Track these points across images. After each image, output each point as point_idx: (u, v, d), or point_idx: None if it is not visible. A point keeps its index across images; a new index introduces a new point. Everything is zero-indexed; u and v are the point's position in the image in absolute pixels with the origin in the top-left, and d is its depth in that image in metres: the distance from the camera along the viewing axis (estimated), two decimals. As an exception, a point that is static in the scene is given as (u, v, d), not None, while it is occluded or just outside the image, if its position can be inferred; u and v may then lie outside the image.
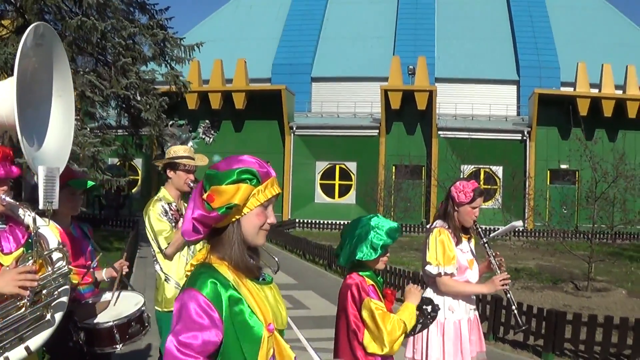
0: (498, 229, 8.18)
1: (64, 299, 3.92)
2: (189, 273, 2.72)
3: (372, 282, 4.43)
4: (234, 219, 2.66)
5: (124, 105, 23.89)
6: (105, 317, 4.95)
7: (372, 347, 4.29)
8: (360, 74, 47.54)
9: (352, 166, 42.48)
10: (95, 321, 4.90)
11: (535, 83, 43.40)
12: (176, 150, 6.36)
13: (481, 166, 38.30)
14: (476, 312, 5.77)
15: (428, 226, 5.95)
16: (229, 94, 41.74)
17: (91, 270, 5.32)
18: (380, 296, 4.43)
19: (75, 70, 20.07)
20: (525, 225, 34.27)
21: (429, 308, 4.61)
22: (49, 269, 3.86)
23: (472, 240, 5.81)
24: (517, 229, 33.42)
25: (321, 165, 42.96)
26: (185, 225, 2.70)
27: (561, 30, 48.93)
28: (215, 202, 2.58)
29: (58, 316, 3.87)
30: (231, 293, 2.57)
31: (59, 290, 3.88)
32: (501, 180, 38.60)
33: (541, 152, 40.19)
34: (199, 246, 5.20)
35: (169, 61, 24.73)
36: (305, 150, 42.39)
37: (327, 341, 4.68)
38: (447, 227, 5.59)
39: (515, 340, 10.83)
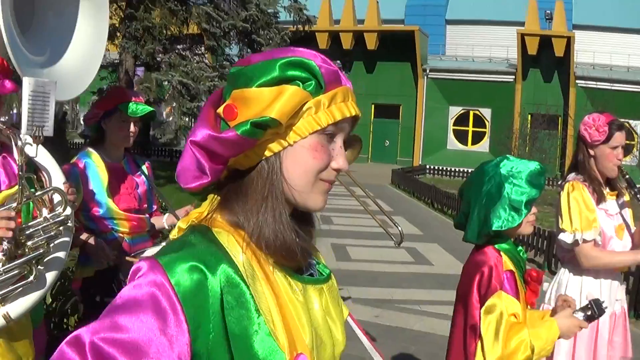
0: None
1: (60, 254, 3.02)
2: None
3: (511, 267, 3.04)
4: (269, 153, 1.46)
5: (245, 40, 23.17)
6: None
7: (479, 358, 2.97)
8: (496, 18, 45.53)
9: (486, 112, 41.13)
10: None
11: (677, 36, 40.34)
12: None
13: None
14: (624, 304, 4.23)
15: (560, 182, 4.38)
16: (361, 34, 41.17)
17: (146, 216, 4.43)
18: (521, 284, 3.07)
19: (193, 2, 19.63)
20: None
21: (593, 304, 3.07)
22: (45, 215, 2.95)
23: (625, 198, 4.22)
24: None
25: (454, 111, 41.91)
26: (181, 162, 1.51)
27: None
28: (239, 118, 1.42)
29: (50, 276, 2.99)
30: (234, 291, 1.39)
31: (54, 243, 2.97)
32: (639, 136, 36.10)
33: (682, 110, 37.55)
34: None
35: (292, -8, 23.75)
36: (438, 94, 41.36)
37: (449, 305, 3.48)
38: (582, 179, 4.10)
39: (661, 320, 9.25)
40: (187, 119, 21.28)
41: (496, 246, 3.10)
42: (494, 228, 3.04)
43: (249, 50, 23.89)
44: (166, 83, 19.50)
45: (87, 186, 4.07)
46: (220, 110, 1.47)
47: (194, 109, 19.81)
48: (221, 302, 1.37)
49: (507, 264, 3.04)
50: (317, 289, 1.59)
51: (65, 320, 5.52)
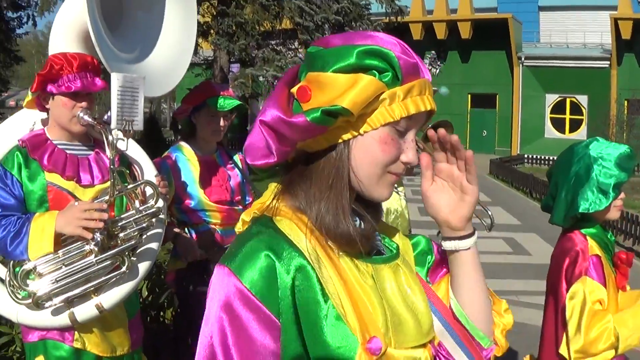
0: None
1: (153, 245, 3.10)
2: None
3: (598, 251, 2.95)
4: (338, 140, 1.45)
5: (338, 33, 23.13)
6: None
7: (563, 347, 2.91)
8: (589, 3, 44.13)
9: (582, 99, 39.88)
10: None
11: None
12: None
13: None
14: None
15: None
16: (454, 23, 40.48)
17: (239, 208, 4.42)
18: (610, 268, 2.97)
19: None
20: None
21: None
22: (137, 207, 3.02)
23: None
24: None
25: (551, 98, 40.74)
26: (250, 137, 1.52)
27: None
28: (312, 101, 1.40)
29: (143, 267, 3.08)
30: (301, 276, 1.39)
31: (147, 234, 3.04)
32: None
33: None
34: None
35: (383, -16, 23.52)
36: (534, 82, 40.32)
37: (541, 296, 3.39)
38: None
39: None
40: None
41: (583, 231, 3.02)
42: (580, 210, 2.95)
43: (343, 43, 23.75)
44: (261, 78, 19.63)
45: (179, 179, 4.13)
46: (294, 90, 1.45)
47: (289, 103, 19.89)
48: (292, 287, 1.38)
49: (594, 248, 2.96)
50: (391, 267, 1.56)
51: (161, 313, 5.62)
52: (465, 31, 39.97)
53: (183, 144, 4.32)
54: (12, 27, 29.91)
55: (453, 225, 1.61)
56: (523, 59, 40.41)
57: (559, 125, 40.73)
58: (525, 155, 36.19)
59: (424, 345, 1.53)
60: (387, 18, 24.51)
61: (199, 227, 4.21)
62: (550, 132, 40.80)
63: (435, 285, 1.71)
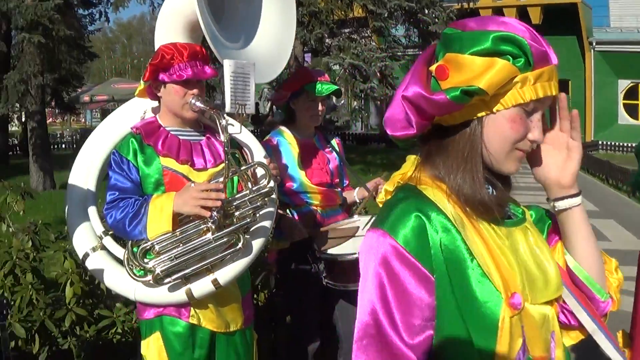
0: None
1: (266, 223, 3.24)
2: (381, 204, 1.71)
3: None
4: (473, 117, 1.58)
5: (411, 20, 23.06)
6: (351, 247, 4.04)
7: None
8: (660, -15, 42.85)
9: (654, 85, 38.88)
10: (338, 251, 4.08)
11: None
12: None
13: None
14: None
15: None
16: (524, 8, 39.86)
17: (338, 190, 4.55)
18: None
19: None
20: None
21: None
22: (250, 187, 3.15)
23: None
24: None
25: (623, 84, 39.89)
26: (390, 109, 1.65)
27: None
28: (450, 79, 1.53)
29: (257, 244, 3.21)
30: (448, 236, 1.52)
31: (260, 213, 3.17)
32: None
33: None
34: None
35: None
36: (606, 68, 39.53)
37: (627, 281, 3.37)
38: None
39: None
40: (360, 102, 21.42)
41: None
42: None
43: (415, 30, 23.77)
44: (337, 67, 19.69)
45: (281, 161, 4.24)
46: (432, 68, 1.58)
47: (366, 91, 19.97)
48: (441, 246, 1.51)
49: None
50: (521, 229, 1.68)
51: (255, 295, 5.75)
52: (535, 16, 39.30)
53: (283, 128, 4.43)
54: (84, 24, 30.43)
55: (564, 183, 1.71)
56: (594, 44, 39.60)
57: (632, 111, 39.89)
58: (600, 142, 35.65)
59: (550, 303, 1.65)
60: (459, 4, 24.36)
61: (301, 209, 4.32)
62: (624, 118, 39.99)
63: (551, 249, 1.80)
